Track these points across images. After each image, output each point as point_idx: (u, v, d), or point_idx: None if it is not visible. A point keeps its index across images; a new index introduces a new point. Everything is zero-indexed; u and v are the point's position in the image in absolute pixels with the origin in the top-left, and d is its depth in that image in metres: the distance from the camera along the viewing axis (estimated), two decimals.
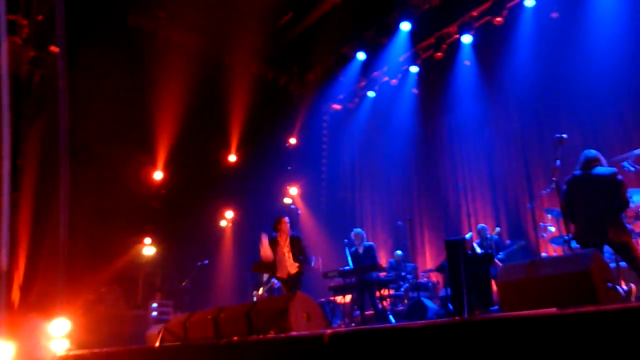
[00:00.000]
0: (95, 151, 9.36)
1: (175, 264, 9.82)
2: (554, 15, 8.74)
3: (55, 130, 9.56)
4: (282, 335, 3.56)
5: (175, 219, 10.08)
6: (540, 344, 1.96)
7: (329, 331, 2.89)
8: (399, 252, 9.16)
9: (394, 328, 2.83)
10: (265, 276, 8.53)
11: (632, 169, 6.20)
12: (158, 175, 10.14)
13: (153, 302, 8.92)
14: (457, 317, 3.73)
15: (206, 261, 8.83)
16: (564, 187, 4.70)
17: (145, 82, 9.71)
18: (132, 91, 9.77)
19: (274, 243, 6.73)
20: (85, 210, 9.06)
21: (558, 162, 4.70)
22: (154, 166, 10.12)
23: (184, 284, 8.56)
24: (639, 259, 4.30)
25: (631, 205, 6.20)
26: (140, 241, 9.68)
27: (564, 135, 4.77)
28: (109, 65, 9.42)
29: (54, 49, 9.36)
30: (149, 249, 9.69)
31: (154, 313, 8.70)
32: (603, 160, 4.62)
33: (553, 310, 1.96)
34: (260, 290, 8.49)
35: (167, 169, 10.22)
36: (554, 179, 4.65)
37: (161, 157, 10.14)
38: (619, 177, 4.45)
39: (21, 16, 8.85)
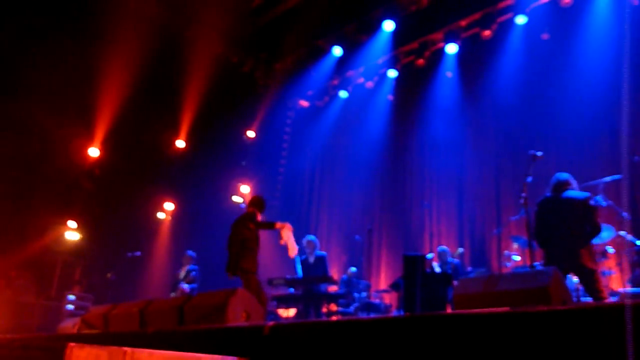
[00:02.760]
0: (21, 117, 9.13)
1: (101, 254, 9.63)
2: (545, 36, 9.25)
3: None
4: (219, 325, 3.63)
5: (108, 204, 9.92)
6: (492, 342, 2.14)
7: (270, 323, 2.99)
8: (353, 268, 9.33)
9: (339, 322, 2.97)
10: (182, 273, 8.51)
11: (604, 204, 6.64)
12: (94, 152, 9.94)
13: (70, 294, 8.70)
14: (406, 313, 3.91)
15: (138, 252, 8.72)
16: (535, 209, 5.02)
17: (91, 46, 9.56)
18: (75, 55, 9.60)
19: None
20: (0, 181, 8.80)
21: (529, 178, 5.03)
22: (90, 141, 9.92)
23: (108, 275, 8.42)
24: (602, 291, 4.64)
25: (599, 242, 6.64)
26: (63, 223, 9.43)
27: (539, 153, 5.10)
28: (50, 18, 9.25)
29: None
30: (72, 233, 9.46)
31: (70, 306, 8.51)
32: (574, 183, 4.98)
33: (506, 308, 2.15)
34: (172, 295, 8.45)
35: (104, 146, 10.04)
36: (523, 194, 4.96)
37: (100, 132, 9.96)
38: (592, 201, 4.80)
39: None
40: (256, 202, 6.76)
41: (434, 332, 2.33)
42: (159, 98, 10.64)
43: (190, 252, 8.73)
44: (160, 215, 11.09)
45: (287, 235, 6.36)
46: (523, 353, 2.06)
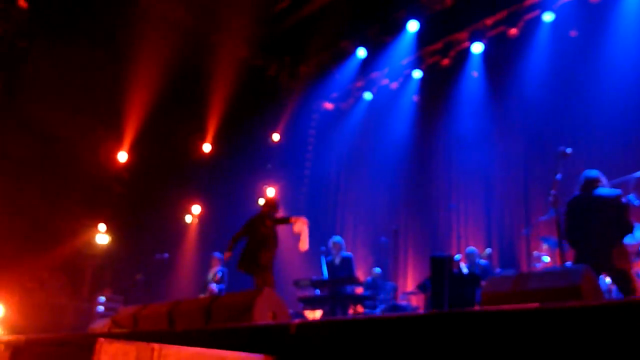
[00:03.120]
0: (53, 122, 9.36)
1: (130, 256, 9.79)
2: (573, 33, 9.05)
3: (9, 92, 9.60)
4: (246, 324, 3.64)
5: (137, 207, 10.09)
6: (521, 339, 2.10)
7: (296, 321, 2.99)
8: (377, 269, 9.28)
9: (366, 319, 2.95)
10: (210, 275, 8.59)
11: (637, 202, 6.46)
12: (122, 157, 10.12)
13: (101, 296, 8.86)
14: (434, 310, 3.86)
15: (166, 254, 8.84)
16: (565, 208, 4.92)
17: (119, 51, 9.75)
18: (104, 60, 9.80)
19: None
20: (32, 185, 9.03)
21: (559, 175, 4.92)
22: (119, 146, 10.10)
23: (137, 277, 8.55)
24: (636, 291, 4.51)
25: (632, 242, 6.47)
26: (93, 227, 9.63)
27: (568, 150, 4.99)
28: (79, 28, 9.46)
29: (22, 3, 9.39)
30: (102, 236, 9.64)
31: (101, 307, 8.66)
32: (604, 180, 4.86)
33: (535, 304, 2.10)
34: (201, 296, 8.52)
35: (133, 151, 10.22)
36: (552, 192, 4.85)
37: (128, 137, 10.14)
38: (623, 199, 4.67)
39: None
40: (271, 203, 7.02)
41: (461, 329, 2.30)
42: (185, 102, 10.80)
43: (217, 254, 8.82)
44: (188, 218, 11.22)
45: (301, 227, 6.45)
46: (554, 351, 2.01)
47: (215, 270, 8.66)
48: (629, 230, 4.64)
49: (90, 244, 9.67)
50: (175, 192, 10.70)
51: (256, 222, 6.72)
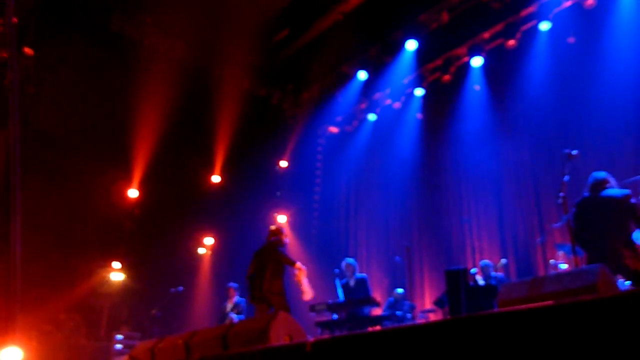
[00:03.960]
0: (63, 164, 9.50)
1: (145, 292, 9.78)
2: (571, 40, 9.08)
3: (21, 139, 9.77)
4: (261, 346, 3.61)
5: (149, 243, 10.12)
6: (538, 337, 2.06)
7: (311, 339, 2.96)
8: (399, 290, 9.18)
9: (382, 332, 2.91)
10: (229, 306, 8.54)
11: None
12: (133, 193, 10.20)
13: (118, 333, 8.83)
14: (448, 317, 3.79)
15: (180, 288, 8.82)
16: (573, 209, 4.88)
17: (125, 90, 9.92)
18: (110, 100, 9.98)
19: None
20: (48, 228, 9.11)
21: (567, 177, 4.90)
22: (128, 183, 10.20)
23: (154, 311, 8.52)
24: None
25: None
26: (108, 265, 9.65)
27: (574, 151, 4.97)
28: (85, 70, 9.66)
29: (27, 50, 9.62)
30: (117, 274, 9.65)
31: (119, 345, 8.62)
32: (613, 181, 4.82)
33: (549, 302, 2.07)
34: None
35: (143, 187, 10.30)
36: (561, 194, 4.82)
37: (137, 174, 10.23)
38: (633, 199, 4.62)
39: None
40: (278, 232, 7.03)
41: (479, 333, 2.27)
42: (192, 136, 10.92)
43: (233, 284, 8.79)
44: (201, 250, 11.22)
45: (302, 278, 6.37)
46: (572, 349, 1.97)
47: (234, 301, 8.62)
48: None
49: (106, 282, 9.68)
50: (186, 225, 10.74)
51: (265, 252, 6.76)
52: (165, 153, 10.24)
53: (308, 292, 6.40)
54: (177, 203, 10.68)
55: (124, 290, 9.79)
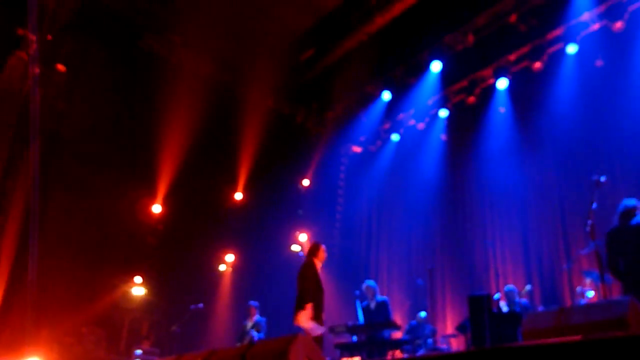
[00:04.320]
0: (90, 179, 9.67)
1: (166, 308, 9.82)
2: (599, 63, 8.97)
3: (51, 153, 10.00)
4: None
5: (171, 258, 10.18)
6: None
7: None
8: (422, 313, 9.06)
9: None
10: (249, 324, 8.50)
11: None
12: (157, 209, 10.31)
13: (137, 349, 8.85)
14: (472, 347, 3.71)
15: (201, 305, 8.83)
16: (605, 239, 4.78)
17: (151, 107, 10.10)
18: (138, 116, 10.17)
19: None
20: (73, 241, 9.25)
21: (595, 204, 4.79)
22: (153, 199, 10.31)
23: (173, 327, 8.54)
24: None
25: None
26: (130, 280, 9.73)
27: (602, 178, 4.87)
28: (114, 87, 9.88)
29: (60, 67, 9.87)
30: (138, 289, 9.72)
31: None
32: None
33: (578, 337, 2.01)
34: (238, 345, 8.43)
35: (167, 203, 10.40)
36: (589, 221, 4.72)
37: (162, 190, 10.34)
38: None
39: (30, 31, 9.43)
40: (312, 249, 6.78)
41: None
42: (216, 153, 11.03)
43: (254, 303, 8.77)
44: (222, 267, 11.25)
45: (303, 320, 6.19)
46: None
47: (255, 319, 8.59)
48: None
49: (127, 297, 9.74)
50: (208, 241, 10.79)
51: (300, 273, 6.59)
52: (190, 170, 10.34)
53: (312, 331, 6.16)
54: (200, 219, 10.75)
55: (145, 305, 9.83)
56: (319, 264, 6.62)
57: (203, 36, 10.67)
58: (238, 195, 11.61)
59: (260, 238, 11.34)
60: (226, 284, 11.19)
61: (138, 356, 8.73)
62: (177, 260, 10.26)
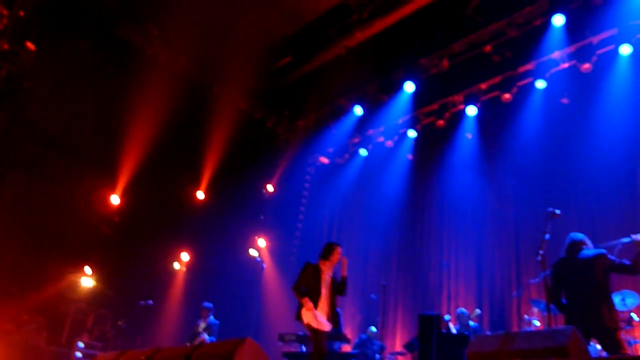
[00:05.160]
0: (49, 162, 9.40)
1: (114, 302, 9.57)
2: (565, 100, 9.27)
3: (10, 132, 9.68)
4: None
5: (125, 252, 9.94)
6: None
7: None
8: (373, 328, 9.10)
9: None
10: (202, 325, 8.35)
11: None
12: (115, 200, 10.07)
13: (79, 341, 8.59)
14: None
15: (150, 301, 8.63)
16: (550, 270, 4.91)
17: (121, 96, 9.91)
18: (105, 104, 9.95)
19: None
20: (24, 224, 8.95)
21: (547, 236, 4.92)
22: (112, 189, 10.08)
23: (120, 322, 8.32)
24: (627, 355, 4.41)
25: (623, 309, 6.40)
26: (79, 270, 9.45)
27: (557, 211, 5.02)
28: (84, 72, 9.66)
29: (30, 45, 9.60)
30: (87, 280, 9.44)
31: (79, 353, 8.38)
32: (589, 243, 4.87)
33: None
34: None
35: (126, 195, 10.17)
36: (540, 252, 4.84)
37: (122, 181, 10.12)
38: (610, 256, 4.67)
39: (2, 6, 9.16)
40: (323, 249, 6.35)
41: None
42: (182, 150, 10.87)
43: (207, 304, 8.60)
44: (176, 265, 11.06)
45: (307, 315, 5.98)
46: None
47: (208, 321, 8.43)
48: (632, 270, 4.57)
49: (75, 287, 9.45)
50: (165, 238, 10.58)
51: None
52: (154, 164, 10.14)
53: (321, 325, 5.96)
54: (159, 215, 10.54)
55: (93, 297, 9.55)
56: (326, 267, 6.20)
57: (182, 31, 10.55)
58: (200, 195, 11.46)
59: (219, 240, 11.21)
60: (179, 283, 11.00)
61: (79, 349, 8.47)
62: (130, 254, 10.03)
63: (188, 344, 8.18)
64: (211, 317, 8.52)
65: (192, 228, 11.14)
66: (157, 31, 10.77)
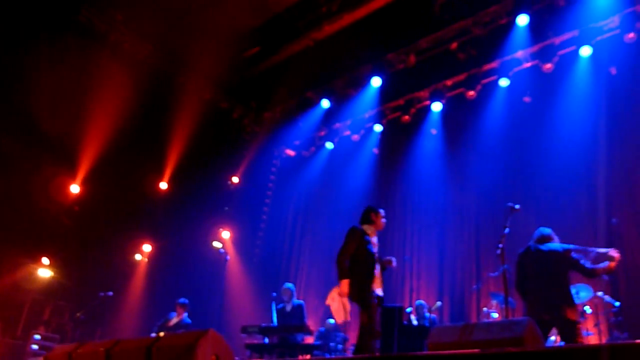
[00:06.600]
0: (5, 149, 9.09)
1: (73, 293, 9.34)
2: (526, 99, 9.50)
3: None
4: None
5: (85, 242, 9.71)
6: None
7: None
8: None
9: None
10: (174, 321, 8.22)
11: (588, 266, 6.65)
12: (74, 189, 9.82)
13: (36, 333, 8.36)
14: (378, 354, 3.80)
15: (110, 293, 8.45)
16: (516, 259, 5.05)
17: (82, 83, 9.64)
18: (65, 90, 9.65)
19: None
20: None
21: (507, 230, 5.05)
22: (72, 178, 9.82)
23: (78, 315, 8.13)
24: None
25: (577, 301, 6.62)
26: (36, 260, 9.19)
27: (516, 206, 5.15)
28: (43, 55, 9.34)
29: None
30: (45, 270, 9.19)
31: (35, 346, 8.15)
32: (556, 238, 5.02)
33: (476, 350, 2.09)
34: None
35: (86, 184, 9.93)
36: (500, 245, 4.96)
37: (83, 170, 9.88)
38: (574, 254, 4.82)
39: None
40: (363, 215, 5.66)
41: None
42: (145, 139, 10.63)
43: (183, 300, 8.37)
44: (137, 256, 10.87)
45: (334, 297, 5.48)
46: None
47: (182, 319, 8.20)
48: (592, 273, 4.75)
49: (32, 277, 9.18)
50: (126, 228, 10.38)
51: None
52: (116, 153, 9.91)
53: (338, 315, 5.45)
54: (120, 205, 10.31)
55: (50, 288, 9.30)
56: (372, 231, 5.54)
57: (148, 19, 10.33)
58: (163, 185, 11.28)
59: (182, 231, 11.06)
60: (140, 274, 10.82)
61: (35, 341, 8.24)
62: (90, 245, 9.80)
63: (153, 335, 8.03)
64: (185, 315, 8.29)
65: (154, 219, 10.96)
66: (121, 17, 10.49)
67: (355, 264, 5.37)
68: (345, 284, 5.27)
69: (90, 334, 8.51)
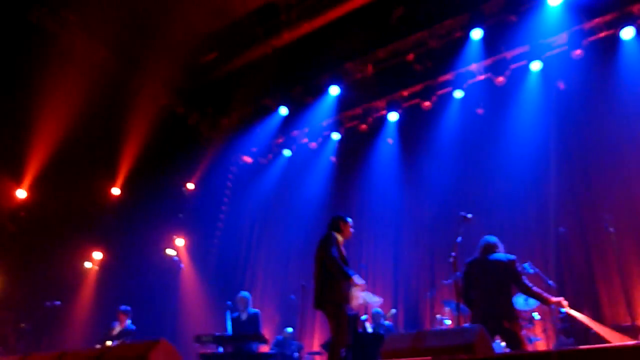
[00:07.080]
0: None
1: (17, 302, 8.96)
2: (480, 111, 9.79)
3: None
4: None
5: (31, 249, 9.34)
6: None
7: None
8: (289, 329, 9.13)
9: None
10: (117, 329, 8.03)
11: (531, 271, 6.88)
12: (21, 194, 9.46)
13: None
14: None
15: (58, 302, 8.16)
16: (463, 268, 5.16)
17: (31, 84, 9.32)
18: (12, 91, 9.31)
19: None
20: None
21: (459, 238, 5.18)
22: (18, 182, 9.46)
23: (22, 325, 7.80)
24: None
25: (526, 308, 6.83)
26: None
27: (469, 215, 5.29)
28: None
29: None
30: None
31: None
32: (501, 246, 5.17)
33: (428, 358, 2.13)
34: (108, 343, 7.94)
35: (33, 189, 9.58)
36: (453, 254, 5.07)
37: (30, 174, 9.52)
38: (518, 266, 4.96)
39: None
40: (333, 223, 5.77)
41: None
42: (97, 143, 10.37)
43: (125, 307, 8.21)
44: (87, 264, 10.54)
45: (357, 295, 5.33)
46: None
47: (125, 326, 8.03)
48: (529, 292, 4.89)
49: None
50: (76, 235, 10.06)
51: (321, 248, 5.62)
52: (65, 157, 9.61)
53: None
54: (70, 211, 9.99)
55: None
56: (340, 240, 5.64)
57: (101, 20, 10.09)
58: (115, 191, 11.01)
59: (135, 238, 10.79)
60: (90, 283, 10.49)
61: None
62: (37, 251, 9.44)
63: (98, 347, 7.81)
64: (129, 322, 8.14)
65: (106, 225, 10.67)
66: (74, 18, 10.21)
67: (328, 272, 5.38)
68: (357, 277, 5.30)
69: (35, 346, 8.17)
